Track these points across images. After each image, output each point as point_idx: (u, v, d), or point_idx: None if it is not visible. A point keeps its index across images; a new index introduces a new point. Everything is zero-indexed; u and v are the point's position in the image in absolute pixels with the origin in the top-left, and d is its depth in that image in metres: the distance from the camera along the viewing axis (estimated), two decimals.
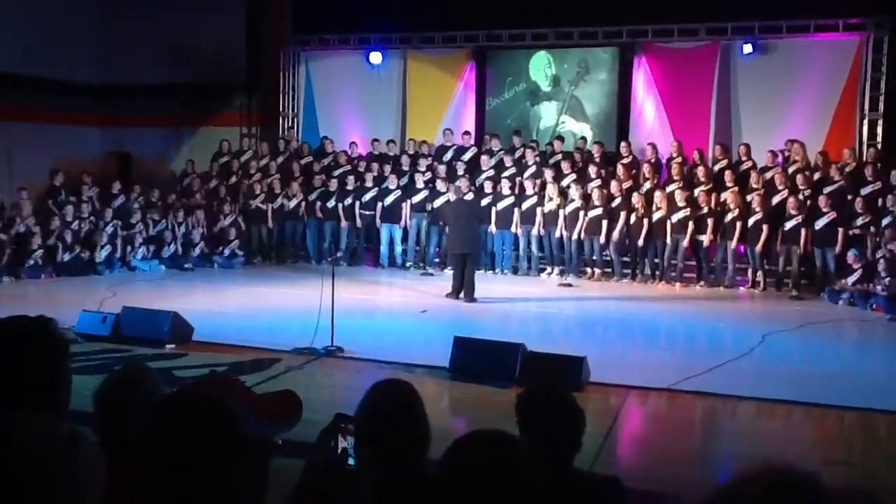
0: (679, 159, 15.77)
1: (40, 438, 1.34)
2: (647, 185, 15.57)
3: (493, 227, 15.70)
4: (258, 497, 1.66)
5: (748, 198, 14.73)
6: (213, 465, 1.58)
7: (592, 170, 15.91)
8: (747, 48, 16.07)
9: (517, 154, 16.74)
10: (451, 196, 14.05)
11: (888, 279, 12.81)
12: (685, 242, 14.87)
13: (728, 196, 14.75)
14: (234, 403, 1.70)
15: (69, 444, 1.36)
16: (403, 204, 16.48)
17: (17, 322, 2.20)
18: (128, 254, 16.06)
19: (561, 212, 15.52)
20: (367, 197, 16.68)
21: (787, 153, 15.52)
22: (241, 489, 1.61)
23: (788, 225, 14.29)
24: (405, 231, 16.64)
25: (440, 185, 16.15)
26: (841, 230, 13.95)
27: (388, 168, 17.00)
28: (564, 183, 15.91)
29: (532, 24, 17.14)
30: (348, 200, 16.75)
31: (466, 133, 17.46)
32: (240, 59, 18.82)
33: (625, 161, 16.16)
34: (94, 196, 17.07)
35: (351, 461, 2.76)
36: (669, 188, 15.28)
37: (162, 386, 2.72)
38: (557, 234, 15.62)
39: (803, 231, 14.19)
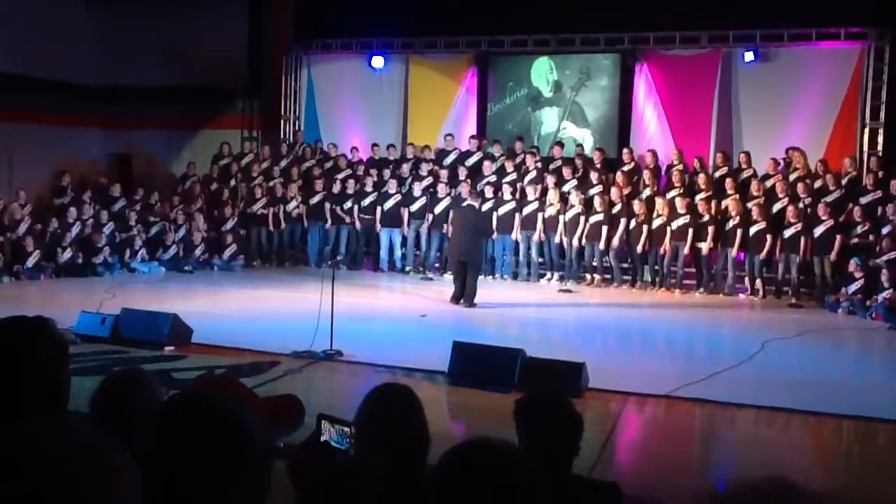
0: (680, 166, 15.79)
1: (76, 448, 1.29)
2: (648, 191, 15.59)
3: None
4: (260, 500, 1.66)
5: (748, 206, 14.74)
6: (221, 469, 1.58)
7: (593, 176, 15.92)
8: (749, 56, 16.08)
9: (518, 159, 16.76)
10: (468, 201, 13.97)
11: (889, 289, 12.81)
12: (685, 249, 14.88)
13: (729, 204, 14.76)
14: (241, 407, 1.69)
15: (104, 452, 1.32)
16: (403, 209, 16.49)
17: (16, 322, 2.19)
18: (127, 256, 16.07)
19: (561, 217, 15.52)
20: (367, 201, 16.69)
21: (787, 160, 15.54)
22: (246, 493, 1.60)
23: (788, 233, 14.29)
24: (404, 236, 16.65)
25: (441, 190, 16.16)
26: (839, 238, 13.96)
27: (387, 172, 17.02)
28: (565, 189, 15.92)
29: (534, 30, 17.14)
30: (348, 204, 16.76)
31: (473, 137, 17.47)
32: (241, 63, 18.81)
33: (626, 168, 16.17)
34: (92, 198, 17.11)
35: (340, 446, 2.78)
36: (670, 195, 15.30)
37: (159, 389, 2.71)
38: (557, 240, 15.62)
39: (803, 239, 14.20)
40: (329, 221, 16.86)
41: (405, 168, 17.09)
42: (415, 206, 16.42)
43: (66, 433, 1.31)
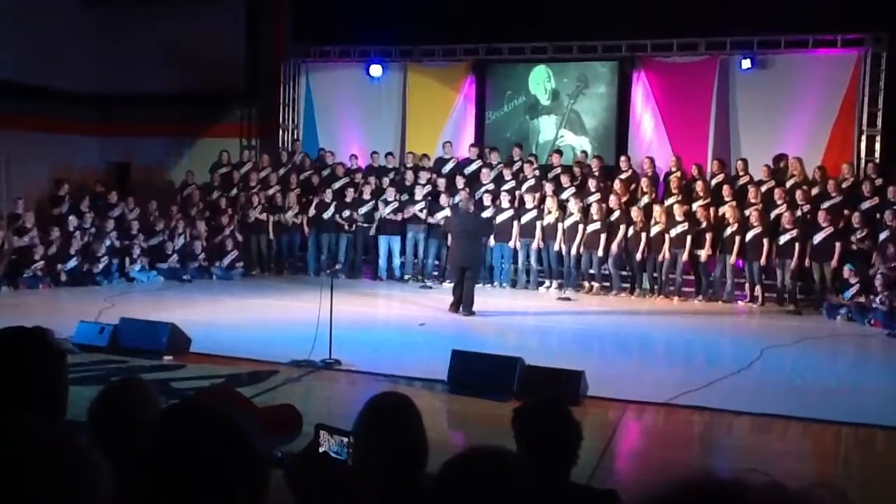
0: (678, 173, 15.79)
1: (49, 440, 1.31)
2: (646, 199, 15.59)
3: (491, 241, 15.66)
4: None
5: (746, 212, 14.75)
6: (220, 477, 1.57)
7: (591, 184, 15.91)
8: (746, 63, 16.11)
9: (516, 167, 16.76)
10: (464, 206, 13.91)
11: (886, 294, 12.81)
12: (683, 257, 14.88)
13: (727, 210, 14.76)
14: (240, 416, 1.69)
15: (77, 447, 1.34)
16: (402, 216, 16.46)
17: (13, 332, 2.19)
18: (126, 265, 16.04)
19: (560, 225, 15.52)
20: (365, 209, 16.68)
21: (779, 165, 15.55)
22: (245, 502, 1.60)
23: (783, 239, 14.30)
24: (403, 244, 16.64)
25: (443, 199, 16.14)
26: (838, 245, 13.97)
27: (386, 181, 17.01)
28: (563, 197, 15.91)
29: (532, 37, 17.17)
30: (346, 213, 16.74)
31: (473, 146, 17.46)
32: (239, 70, 18.84)
33: (623, 175, 16.18)
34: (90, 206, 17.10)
35: (339, 455, 2.78)
36: (668, 202, 15.31)
37: (158, 399, 2.71)
38: (556, 248, 15.62)
39: (798, 245, 14.19)
40: (317, 230, 16.76)
41: (406, 176, 17.07)
42: (413, 214, 16.42)
43: (63, 434, 1.32)
